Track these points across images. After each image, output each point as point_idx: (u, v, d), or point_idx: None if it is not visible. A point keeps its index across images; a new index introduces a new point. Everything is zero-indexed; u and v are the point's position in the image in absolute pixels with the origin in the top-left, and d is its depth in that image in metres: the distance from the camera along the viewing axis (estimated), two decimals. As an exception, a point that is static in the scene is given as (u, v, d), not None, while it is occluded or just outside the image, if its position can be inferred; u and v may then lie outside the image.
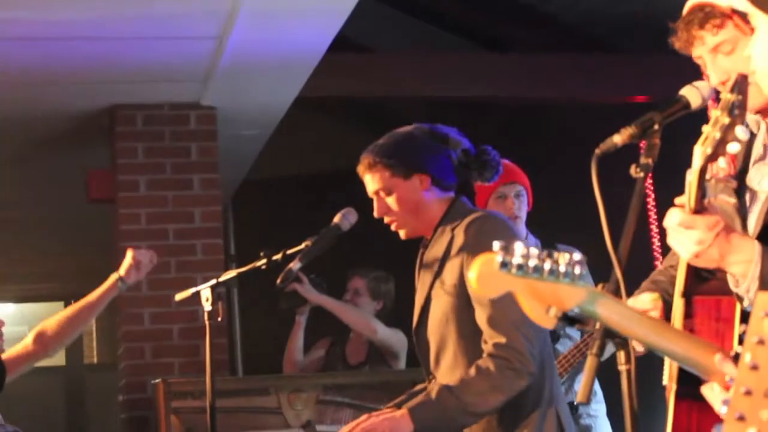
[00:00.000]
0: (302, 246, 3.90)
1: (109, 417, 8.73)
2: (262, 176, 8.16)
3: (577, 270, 2.02)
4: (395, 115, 8.30)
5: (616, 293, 2.39)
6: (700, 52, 2.87)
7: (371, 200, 3.72)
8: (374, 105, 8.06)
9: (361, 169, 3.71)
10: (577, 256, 2.02)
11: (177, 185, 6.62)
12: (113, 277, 4.67)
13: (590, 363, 2.44)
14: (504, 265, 1.97)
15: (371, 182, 3.68)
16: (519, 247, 1.99)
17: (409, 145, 3.69)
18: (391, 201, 3.64)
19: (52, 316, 4.72)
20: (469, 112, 8.06)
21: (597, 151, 2.52)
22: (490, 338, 3.45)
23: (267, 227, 7.70)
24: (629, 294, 2.42)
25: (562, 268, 2.00)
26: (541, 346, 3.53)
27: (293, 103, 6.60)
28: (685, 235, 2.49)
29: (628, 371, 2.39)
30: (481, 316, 3.48)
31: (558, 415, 3.57)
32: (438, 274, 3.60)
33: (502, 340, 3.42)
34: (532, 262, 1.99)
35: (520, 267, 1.98)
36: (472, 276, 2.00)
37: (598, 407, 5.22)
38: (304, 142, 8.06)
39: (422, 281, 3.68)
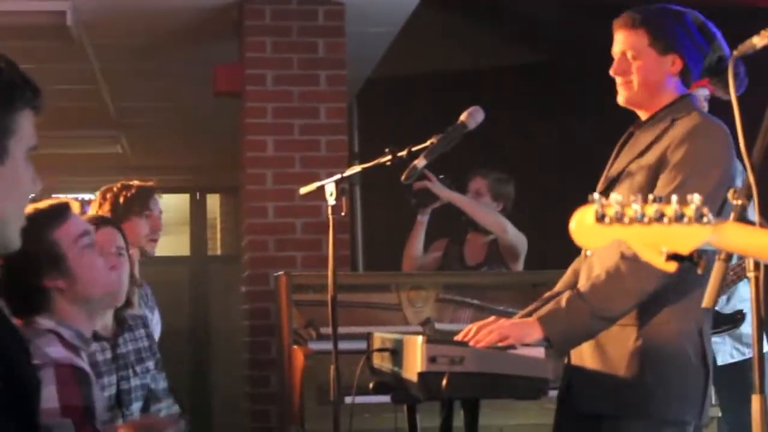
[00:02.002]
0: (428, 143, 3.88)
1: (232, 307, 8.89)
2: (387, 74, 8.14)
3: (690, 211, 1.97)
4: (523, 14, 8.20)
5: (749, 197, 2.35)
6: None
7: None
8: (503, 4, 7.94)
9: (618, 22, 3.67)
10: (695, 197, 1.98)
11: (303, 81, 6.65)
12: None
13: (718, 268, 2.41)
14: (601, 218, 1.94)
15: (624, 41, 3.65)
16: (615, 198, 1.95)
17: (680, 26, 3.66)
18: (634, 65, 3.62)
19: None
20: (599, 15, 7.90)
21: (735, 53, 2.47)
22: None
23: (391, 125, 7.67)
24: (761, 197, 2.37)
25: (670, 212, 1.95)
26: None
27: (421, 1, 6.55)
28: None
29: (756, 278, 2.36)
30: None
31: (693, 309, 3.51)
32: (639, 156, 3.59)
33: None
34: (631, 211, 1.95)
35: (618, 218, 1.94)
36: (572, 229, 1.97)
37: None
38: (431, 41, 7.99)
39: (624, 156, 3.67)
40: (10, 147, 2.09)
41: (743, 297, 4.97)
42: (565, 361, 3.74)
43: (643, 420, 3.50)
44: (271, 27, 6.63)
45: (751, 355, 5.05)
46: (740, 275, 4.85)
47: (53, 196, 7.95)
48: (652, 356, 3.50)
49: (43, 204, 3.29)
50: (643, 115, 3.70)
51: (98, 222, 4.26)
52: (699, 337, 3.54)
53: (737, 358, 4.98)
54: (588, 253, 3.71)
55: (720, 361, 4.91)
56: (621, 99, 3.66)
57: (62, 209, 3.41)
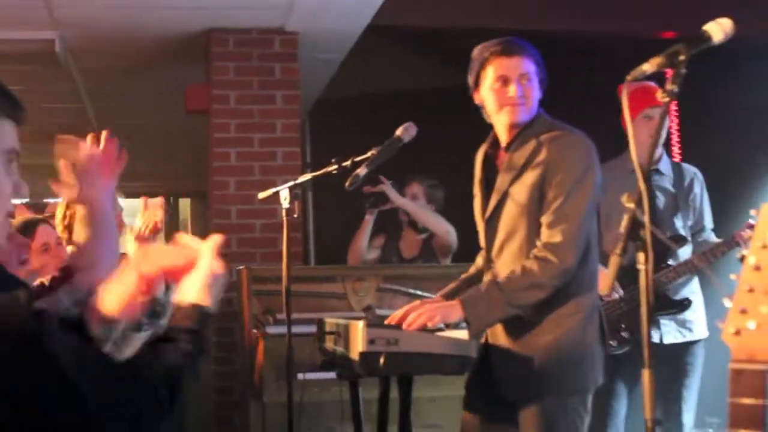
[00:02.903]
0: (368, 154, 3.89)
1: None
2: (335, 95, 8.14)
3: None
4: (448, 43, 8.22)
5: (639, 202, 2.38)
6: None
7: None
8: (432, 34, 7.97)
9: (516, 49, 3.63)
10: None
11: (262, 100, 6.64)
12: None
13: (613, 261, 2.44)
14: None
15: (525, 65, 3.62)
16: None
17: None
18: (528, 88, 3.61)
19: None
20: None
21: (628, 77, 2.50)
22: (547, 237, 3.49)
23: (339, 139, 7.65)
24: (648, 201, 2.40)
25: None
26: (590, 241, 3.57)
27: (365, 31, 6.56)
28: None
29: (646, 270, 2.38)
30: (552, 211, 3.50)
31: (593, 297, 3.61)
32: (519, 175, 3.59)
33: (558, 238, 3.46)
34: None
35: None
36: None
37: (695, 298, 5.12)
38: (372, 66, 8.00)
39: (502, 178, 3.65)
40: None
41: (692, 289, 5.02)
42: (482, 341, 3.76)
43: (557, 395, 3.56)
44: (234, 53, 6.62)
45: (691, 339, 5.13)
46: (691, 270, 4.90)
47: (44, 200, 7.88)
48: (565, 343, 3.56)
49: None
50: (503, 136, 3.69)
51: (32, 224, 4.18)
52: (599, 319, 3.63)
53: (680, 339, 5.02)
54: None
55: (665, 341, 4.96)
56: (518, 118, 3.63)
57: None
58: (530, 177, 3.56)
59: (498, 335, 3.65)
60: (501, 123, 3.66)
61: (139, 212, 4.90)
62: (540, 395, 3.55)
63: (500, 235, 3.64)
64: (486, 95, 3.65)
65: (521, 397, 3.59)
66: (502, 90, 3.60)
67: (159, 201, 4.84)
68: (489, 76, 3.62)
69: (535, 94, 3.63)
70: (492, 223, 3.68)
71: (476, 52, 3.69)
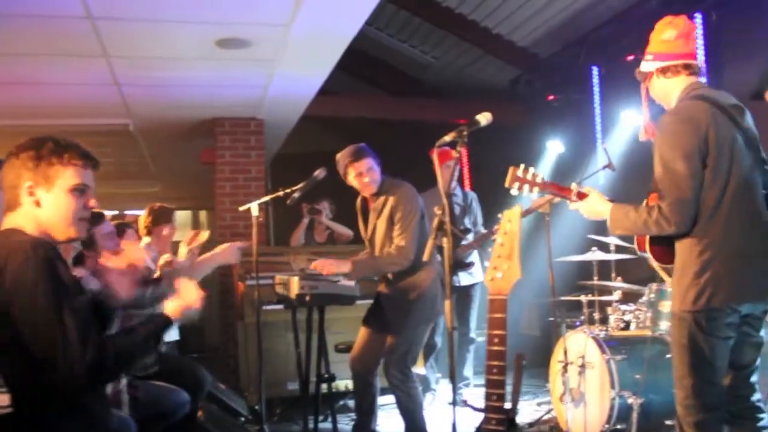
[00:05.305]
0: (299, 186, 3.85)
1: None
2: (284, 152, 8.04)
3: None
4: (346, 126, 8.22)
5: (444, 212, 2.36)
6: None
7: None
8: (336, 119, 7.94)
9: (362, 154, 3.53)
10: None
11: (244, 156, 6.49)
12: None
13: (429, 243, 2.42)
14: None
15: (369, 163, 3.51)
16: None
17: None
18: (374, 174, 3.54)
19: None
20: (382, 128, 8.03)
21: (437, 143, 2.50)
22: (396, 242, 3.46)
23: (285, 177, 7.61)
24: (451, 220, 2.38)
25: None
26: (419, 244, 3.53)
27: (300, 118, 6.50)
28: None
29: (448, 248, 2.36)
30: (396, 232, 3.48)
31: (433, 265, 3.54)
32: (380, 214, 3.56)
33: (402, 243, 3.44)
34: None
35: None
36: None
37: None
38: (303, 137, 7.93)
39: (372, 216, 3.61)
40: (54, 187, 1.81)
41: (474, 256, 5.05)
42: (377, 291, 3.72)
43: (421, 322, 3.51)
44: (228, 131, 6.46)
45: (474, 281, 5.05)
46: (473, 247, 4.94)
47: (123, 212, 7.52)
48: (424, 292, 3.52)
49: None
50: (368, 196, 3.65)
51: (121, 227, 3.85)
52: (438, 276, 3.58)
53: (469, 282, 5.07)
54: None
55: (462, 283, 5.01)
56: (373, 191, 3.58)
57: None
58: (385, 213, 3.55)
59: (385, 287, 3.63)
60: (366, 193, 3.65)
61: (186, 229, 4.73)
62: (408, 319, 3.51)
63: (377, 245, 3.63)
64: (352, 181, 3.61)
65: (398, 320, 3.54)
66: (360, 180, 3.57)
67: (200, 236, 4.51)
68: (351, 172, 3.58)
69: (377, 174, 3.57)
70: (372, 239, 3.68)
71: (340, 158, 3.62)
